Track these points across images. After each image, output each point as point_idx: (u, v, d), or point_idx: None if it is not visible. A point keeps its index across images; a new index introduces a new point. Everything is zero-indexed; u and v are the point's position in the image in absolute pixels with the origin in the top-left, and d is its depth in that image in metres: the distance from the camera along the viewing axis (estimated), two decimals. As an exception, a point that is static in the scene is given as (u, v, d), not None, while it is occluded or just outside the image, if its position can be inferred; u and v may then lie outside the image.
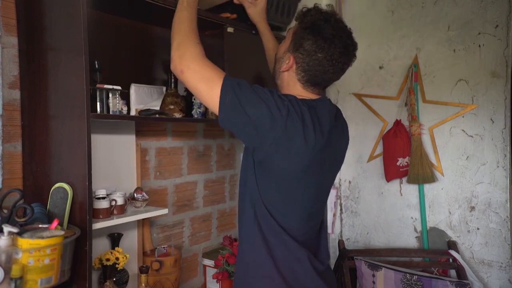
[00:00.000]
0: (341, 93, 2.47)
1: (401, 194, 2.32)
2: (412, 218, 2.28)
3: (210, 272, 2.09)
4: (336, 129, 1.25)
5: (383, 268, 2.10)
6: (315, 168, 1.18)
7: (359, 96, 2.43)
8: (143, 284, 1.64)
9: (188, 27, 1.20)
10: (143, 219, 1.78)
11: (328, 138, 1.17)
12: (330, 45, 1.16)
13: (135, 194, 1.65)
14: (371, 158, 2.41)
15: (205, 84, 1.11)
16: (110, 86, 1.42)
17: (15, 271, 1.02)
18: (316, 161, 1.16)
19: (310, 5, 1.25)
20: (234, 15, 1.78)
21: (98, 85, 1.41)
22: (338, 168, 1.33)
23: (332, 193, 2.43)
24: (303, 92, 1.24)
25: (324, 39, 1.16)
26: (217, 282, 2.02)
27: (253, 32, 1.84)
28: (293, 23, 1.29)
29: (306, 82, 1.23)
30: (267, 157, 1.13)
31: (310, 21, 1.19)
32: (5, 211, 1.19)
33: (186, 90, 1.86)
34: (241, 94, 1.09)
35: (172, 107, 1.66)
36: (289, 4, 1.98)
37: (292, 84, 1.24)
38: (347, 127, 1.35)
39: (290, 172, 1.14)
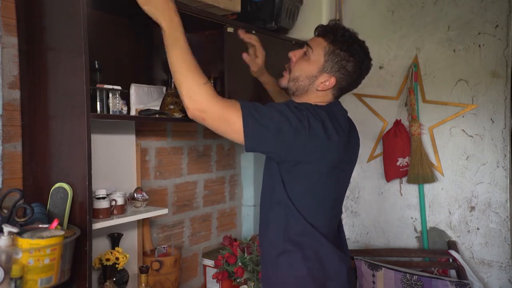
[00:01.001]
0: (341, 93, 2.48)
1: (401, 194, 2.32)
2: (412, 218, 2.28)
3: (210, 272, 2.09)
4: (351, 130, 1.32)
5: (383, 268, 2.10)
6: (337, 168, 1.26)
7: (359, 96, 2.43)
8: (143, 284, 1.64)
9: (188, 67, 1.17)
10: (143, 219, 1.78)
11: (348, 137, 1.26)
12: (367, 64, 1.30)
13: (135, 194, 1.65)
14: (371, 158, 2.41)
15: (227, 121, 1.15)
16: (110, 86, 1.41)
17: (15, 271, 1.02)
18: (339, 160, 1.24)
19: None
20: (234, 16, 1.79)
21: (98, 85, 1.40)
22: (353, 169, 1.40)
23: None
24: (326, 100, 1.31)
25: (362, 60, 1.27)
26: (217, 282, 2.02)
27: (253, 32, 1.84)
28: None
29: (337, 96, 1.33)
30: (295, 164, 1.20)
31: (346, 43, 1.26)
32: (5, 211, 1.19)
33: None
34: (261, 117, 1.14)
35: (172, 107, 1.66)
36: (293, 8, 2.05)
37: (322, 97, 1.31)
38: (357, 131, 1.41)
39: (317, 172, 1.22)
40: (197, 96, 1.15)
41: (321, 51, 1.28)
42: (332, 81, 1.27)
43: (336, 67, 1.26)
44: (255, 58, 1.63)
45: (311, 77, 1.29)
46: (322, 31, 1.30)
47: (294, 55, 1.34)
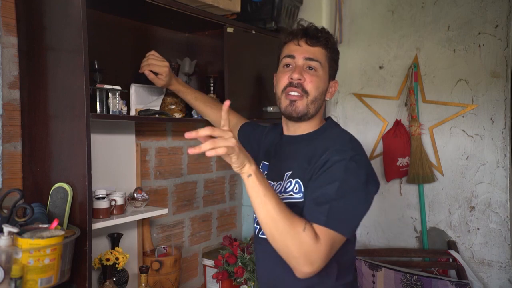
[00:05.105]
0: (341, 93, 2.47)
1: (401, 194, 2.32)
2: (412, 218, 2.28)
3: (210, 272, 2.09)
4: None
5: (383, 268, 2.10)
6: None
7: (359, 96, 2.42)
8: (143, 284, 1.64)
9: (286, 223, 0.96)
10: (143, 219, 1.78)
11: None
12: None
13: (135, 194, 1.65)
14: (371, 158, 2.41)
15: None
16: (110, 86, 1.42)
17: (15, 271, 1.02)
18: None
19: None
20: (234, 16, 1.79)
21: (98, 85, 1.41)
22: None
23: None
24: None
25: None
26: (217, 282, 2.02)
27: (253, 32, 1.85)
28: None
29: None
30: None
31: (334, 44, 1.25)
32: (5, 211, 1.19)
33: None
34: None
35: (172, 107, 1.66)
36: (293, 8, 2.06)
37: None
38: None
39: None
40: (315, 255, 0.94)
41: (325, 61, 1.22)
42: (336, 85, 1.27)
43: (334, 70, 1.26)
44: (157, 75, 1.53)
45: (324, 92, 1.23)
46: (323, 40, 1.21)
47: (299, 73, 1.17)
